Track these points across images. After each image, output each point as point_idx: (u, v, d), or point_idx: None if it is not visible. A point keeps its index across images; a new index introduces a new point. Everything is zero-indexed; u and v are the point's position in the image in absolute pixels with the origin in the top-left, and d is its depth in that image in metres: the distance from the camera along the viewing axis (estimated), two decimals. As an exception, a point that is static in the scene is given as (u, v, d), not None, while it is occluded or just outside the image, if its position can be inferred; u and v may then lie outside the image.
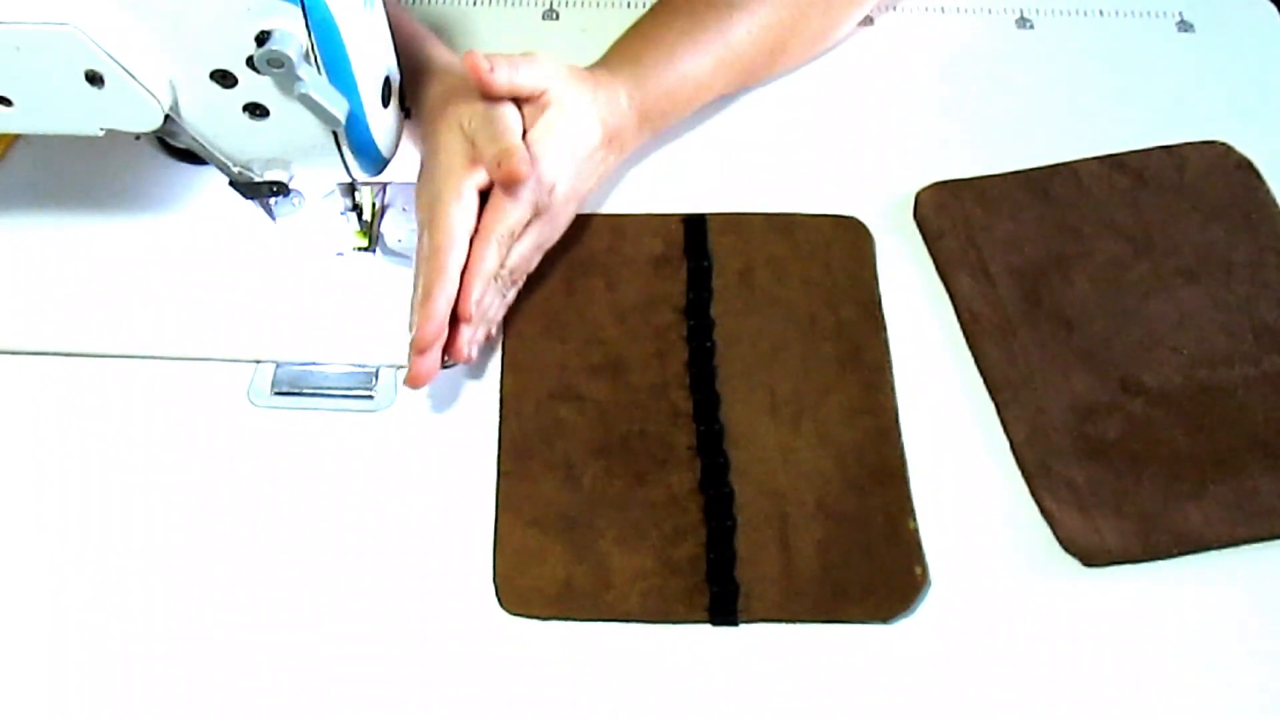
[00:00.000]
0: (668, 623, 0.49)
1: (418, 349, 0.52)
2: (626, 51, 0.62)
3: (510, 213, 0.53)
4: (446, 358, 0.53)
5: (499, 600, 0.49)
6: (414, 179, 0.60)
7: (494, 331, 0.56)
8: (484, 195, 0.54)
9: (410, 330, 0.53)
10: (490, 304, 0.54)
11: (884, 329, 0.57)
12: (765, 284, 0.59)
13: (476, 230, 0.53)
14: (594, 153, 0.57)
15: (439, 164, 0.54)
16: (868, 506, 0.52)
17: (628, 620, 0.49)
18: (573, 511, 0.52)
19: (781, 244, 0.60)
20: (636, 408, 0.55)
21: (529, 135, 0.55)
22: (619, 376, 0.56)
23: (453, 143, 0.54)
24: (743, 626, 0.49)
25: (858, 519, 0.51)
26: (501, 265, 0.54)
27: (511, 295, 0.57)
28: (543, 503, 0.52)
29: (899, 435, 0.54)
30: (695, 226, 0.61)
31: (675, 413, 0.55)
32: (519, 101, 0.55)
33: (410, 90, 0.58)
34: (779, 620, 0.49)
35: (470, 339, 0.53)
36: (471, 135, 0.54)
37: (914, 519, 0.52)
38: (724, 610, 0.49)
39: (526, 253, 0.55)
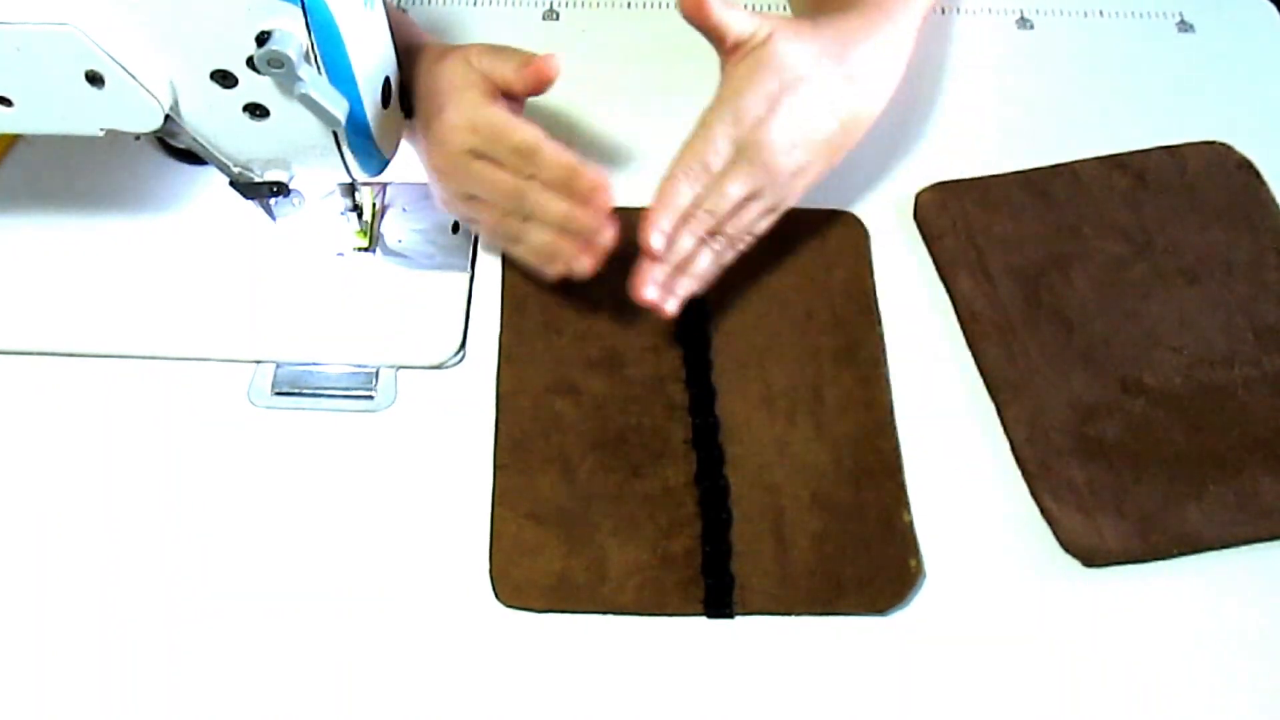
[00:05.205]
0: (663, 615, 0.49)
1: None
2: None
3: (701, 144, 0.50)
4: (649, 291, 0.51)
5: (495, 593, 0.49)
6: (414, 180, 0.60)
7: (697, 288, 0.54)
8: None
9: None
10: (698, 257, 0.53)
11: (879, 323, 0.57)
12: (761, 278, 0.59)
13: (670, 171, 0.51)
14: (803, 89, 0.52)
15: (456, 86, 0.52)
16: (863, 499, 0.52)
17: (623, 613, 0.49)
18: (569, 505, 0.52)
19: (777, 238, 0.60)
20: (633, 401, 0.55)
21: (731, 74, 0.52)
22: (615, 370, 0.56)
23: (466, 73, 0.53)
24: (738, 619, 0.49)
25: (853, 512, 0.51)
26: (701, 207, 0.51)
27: (729, 257, 0.55)
28: (539, 496, 0.52)
29: (894, 429, 0.54)
30: None
31: (671, 406, 0.55)
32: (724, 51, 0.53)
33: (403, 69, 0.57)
34: (774, 613, 0.49)
35: (662, 281, 0.51)
36: (481, 69, 0.53)
37: (909, 512, 0.52)
38: (719, 603, 0.49)
39: (736, 199, 0.52)
